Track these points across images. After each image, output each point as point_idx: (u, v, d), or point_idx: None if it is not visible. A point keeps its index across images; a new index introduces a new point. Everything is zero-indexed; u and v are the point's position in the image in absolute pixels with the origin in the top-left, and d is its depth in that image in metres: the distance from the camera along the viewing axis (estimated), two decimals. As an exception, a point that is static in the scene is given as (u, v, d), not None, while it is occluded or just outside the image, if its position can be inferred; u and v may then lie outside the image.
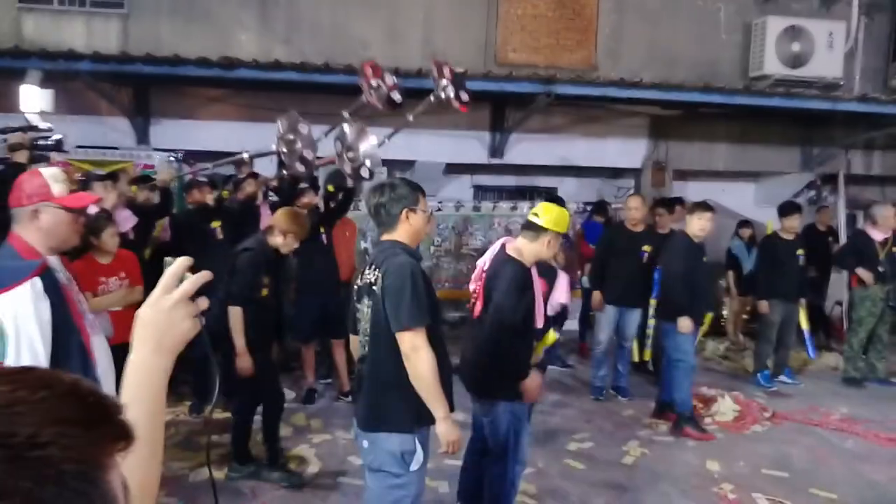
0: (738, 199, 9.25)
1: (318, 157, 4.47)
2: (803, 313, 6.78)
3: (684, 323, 5.29)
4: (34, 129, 3.42)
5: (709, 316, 5.60)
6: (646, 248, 6.19)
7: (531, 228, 3.59)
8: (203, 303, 1.13)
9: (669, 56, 8.77)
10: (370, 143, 4.15)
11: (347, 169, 4.16)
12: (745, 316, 8.41)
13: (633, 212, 6.27)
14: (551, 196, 7.74)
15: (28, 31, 7.81)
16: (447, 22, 8.56)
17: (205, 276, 1.13)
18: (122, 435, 0.63)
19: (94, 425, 0.61)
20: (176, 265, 1.13)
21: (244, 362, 4.10)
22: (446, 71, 4.47)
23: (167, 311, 1.09)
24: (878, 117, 8.28)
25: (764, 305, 6.66)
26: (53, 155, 4.19)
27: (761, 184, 9.62)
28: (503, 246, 3.67)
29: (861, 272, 6.77)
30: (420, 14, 8.52)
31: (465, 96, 4.48)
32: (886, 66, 9.41)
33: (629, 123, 8.74)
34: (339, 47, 8.14)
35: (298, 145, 4.23)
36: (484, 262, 3.71)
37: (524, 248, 3.57)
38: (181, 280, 1.12)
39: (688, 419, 5.44)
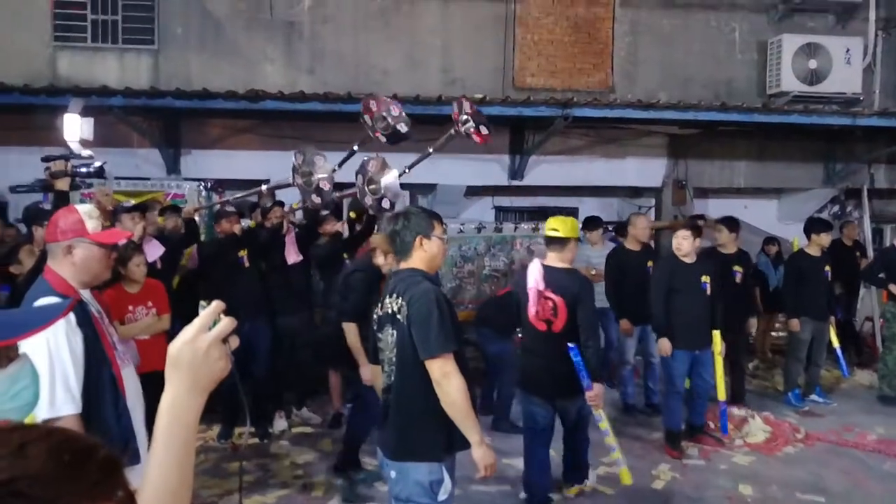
0: (761, 215, 9.22)
1: (340, 188, 4.60)
2: (833, 330, 6.68)
3: (662, 345, 5.31)
4: (76, 156, 3.57)
5: (716, 334, 5.50)
6: (651, 264, 6.18)
7: (556, 242, 4.20)
8: (234, 342, 1.18)
9: (685, 76, 8.83)
10: (391, 177, 4.26)
11: (369, 201, 4.27)
12: (772, 333, 8.34)
13: (639, 231, 6.33)
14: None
15: (63, 68, 8.13)
16: (465, 49, 8.73)
17: (232, 321, 1.18)
18: (102, 484, 0.72)
19: (68, 478, 0.69)
20: (212, 306, 1.17)
21: (366, 373, 4.16)
22: (466, 106, 4.58)
23: (204, 351, 1.12)
24: (897, 131, 8.23)
25: (795, 323, 6.54)
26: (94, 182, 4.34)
27: (784, 200, 9.58)
28: (543, 265, 4.21)
29: (894, 288, 6.68)
30: (438, 42, 8.70)
31: (484, 130, 4.57)
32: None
33: (648, 143, 8.79)
34: (360, 77, 8.36)
35: (315, 177, 4.36)
36: (536, 282, 4.17)
37: (558, 259, 4.20)
38: (216, 322, 1.16)
39: (672, 438, 5.41)
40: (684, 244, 5.39)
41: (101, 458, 0.75)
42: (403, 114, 4.54)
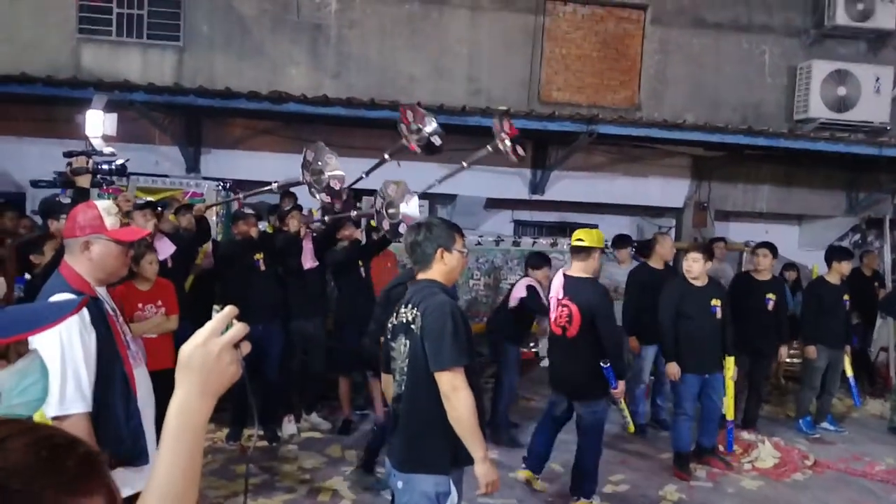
0: (782, 241, 8.99)
1: (358, 208, 4.57)
2: (848, 359, 6.61)
3: (670, 369, 5.29)
4: (98, 153, 3.54)
5: (730, 360, 5.43)
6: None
7: (581, 251, 4.48)
8: (246, 347, 1.17)
9: (713, 98, 8.76)
10: (412, 206, 4.23)
11: (386, 225, 4.25)
12: (787, 360, 8.20)
13: (666, 251, 6.37)
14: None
15: (86, 61, 8.16)
16: (492, 60, 8.70)
17: (245, 326, 1.17)
18: (81, 479, 0.74)
19: (47, 471, 0.72)
20: (225, 311, 1.17)
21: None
22: (506, 125, 4.57)
23: (216, 355, 1.12)
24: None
25: (811, 350, 6.47)
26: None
27: (805, 227, 9.46)
28: (565, 275, 4.57)
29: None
30: (465, 51, 8.67)
31: (521, 150, 4.62)
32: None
33: (671, 163, 8.70)
34: (385, 83, 8.34)
35: (325, 175, 4.33)
36: (557, 291, 4.56)
37: (582, 268, 4.48)
38: (228, 327, 1.16)
39: (681, 459, 5.36)
40: (694, 267, 5.29)
41: (80, 453, 0.77)
42: (438, 127, 4.51)
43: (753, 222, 9.21)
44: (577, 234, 4.55)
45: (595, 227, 9.18)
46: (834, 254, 6.65)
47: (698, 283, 5.32)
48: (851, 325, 6.84)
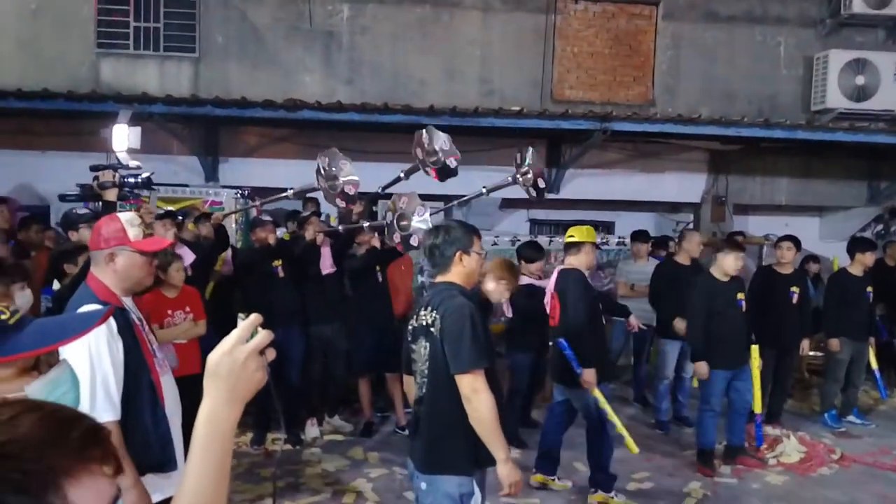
0: (802, 233, 8.90)
1: (373, 220, 4.60)
2: (872, 352, 6.56)
3: (701, 369, 5.24)
4: (124, 166, 3.60)
5: (755, 349, 5.40)
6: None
7: (572, 246, 4.78)
8: (271, 354, 1.19)
9: (728, 91, 8.71)
10: (424, 219, 4.26)
11: (397, 238, 4.29)
12: (811, 353, 8.12)
13: (693, 247, 6.34)
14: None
15: (105, 75, 8.30)
16: (504, 60, 8.71)
17: (270, 334, 1.19)
18: (87, 450, 0.82)
19: (54, 443, 0.80)
20: (250, 319, 1.18)
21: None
22: (530, 155, 4.68)
23: (242, 362, 1.14)
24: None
25: (834, 343, 6.41)
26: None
27: (826, 218, 9.37)
28: (560, 270, 4.82)
29: None
30: (477, 53, 8.70)
31: (542, 184, 4.73)
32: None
33: (687, 158, 8.66)
34: (398, 87, 8.39)
35: (339, 181, 4.37)
36: (551, 286, 4.80)
37: (574, 261, 4.74)
38: (253, 334, 1.17)
39: (705, 456, 5.37)
40: (737, 263, 5.29)
41: (85, 426, 0.84)
42: (453, 147, 4.52)
43: (773, 215, 9.14)
44: (570, 231, 4.89)
45: (611, 224, 9.19)
46: (856, 245, 6.59)
47: (725, 279, 5.31)
48: (876, 317, 6.77)
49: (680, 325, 5.80)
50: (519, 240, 8.77)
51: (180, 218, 5.45)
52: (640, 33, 9.01)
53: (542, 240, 8.87)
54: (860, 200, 8.98)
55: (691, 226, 8.92)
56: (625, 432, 4.73)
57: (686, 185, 8.74)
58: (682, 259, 6.38)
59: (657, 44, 8.89)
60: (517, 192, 8.42)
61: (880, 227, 9.05)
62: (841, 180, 8.88)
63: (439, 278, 2.90)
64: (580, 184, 8.58)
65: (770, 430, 5.98)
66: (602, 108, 7.85)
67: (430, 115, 6.95)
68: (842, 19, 8.83)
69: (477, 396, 2.61)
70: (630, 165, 8.62)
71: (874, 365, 6.59)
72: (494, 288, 4.41)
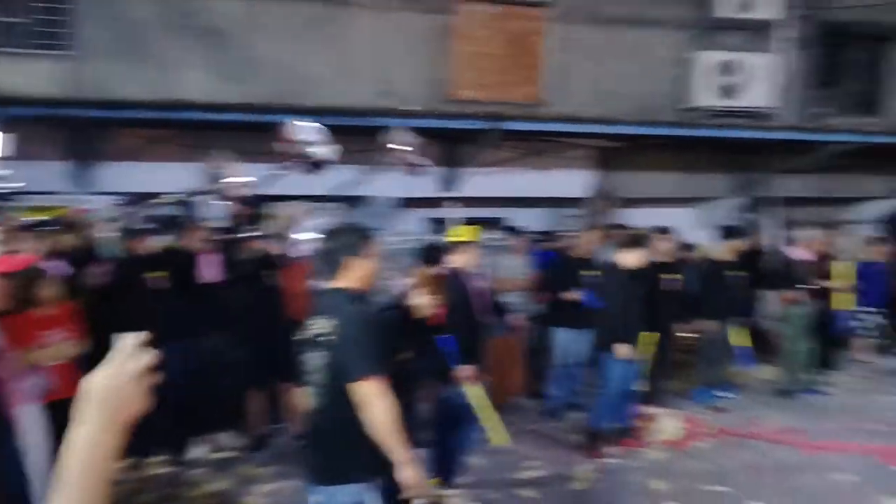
0: (680, 223, 9.49)
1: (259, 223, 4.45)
2: (741, 331, 7.15)
3: (622, 350, 5.54)
4: (-4, 177, 3.31)
5: (646, 337, 5.81)
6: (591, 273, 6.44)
7: (458, 246, 4.84)
8: (153, 376, 1.12)
9: (611, 90, 9.08)
10: (310, 226, 4.20)
11: (281, 248, 4.13)
12: (685, 335, 8.58)
13: (586, 243, 6.69)
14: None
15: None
16: (399, 60, 8.72)
17: (153, 354, 1.13)
18: None
19: None
20: (129, 339, 1.12)
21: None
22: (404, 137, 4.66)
23: (122, 386, 1.07)
24: (806, 143, 8.65)
25: (708, 325, 6.94)
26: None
27: (700, 209, 9.91)
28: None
29: (790, 292, 7.28)
30: (372, 52, 8.65)
31: (421, 160, 4.71)
32: (813, 97, 9.88)
33: (576, 155, 8.98)
34: (290, 86, 8.19)
35: (227, 183, 4.24)
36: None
37: (459, 260, 4.81)
38: (134, 354, 1.11)
39: (596, 438, 5.69)
40: (640, 257, 5.72)
41: None
42: (326, 137, 4.41)
43: (654, 208, 9.59)
44: (454, 231, 5.14)
45: (504, 221, 9.36)
46: (725, 232, 7.24)
47: (630, 269, 5.67)
48: (743, 299, 7.38)
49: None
50: (416, 240, 8.80)
51: (48, 228, 5.07)
52: (530, 35, 9.24)
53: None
54: (731, 191, 9.59)
55: (581, 220, 9.23)
56: (493, 424, 4.85)
57: (575, 182, 9.07)
58: (576, 252, 6.72)
59: (546, 46, 9.14)
60: (414, 192, 8.51)
61: (748, 215, 9.68)
62: (713, 173, 9.50)
63: (332, 284, 2.82)
64: (477, 182, 8.72)
65: (651, 410, 6.36)
66: (496, 108, 7.99)
67: (320, 115, 6.82)
68: (711, 22, 9.39)
69: (373, 403, 2.59)
70: (523, 163, 8.85)
71: (742, 343, 7.18)
72: (424, 301, 4.20)
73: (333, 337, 2.66)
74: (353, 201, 8.47)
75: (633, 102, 9.18)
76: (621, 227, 8.13)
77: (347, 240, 2.83)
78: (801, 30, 9.74)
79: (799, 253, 7.57)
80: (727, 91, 9.08)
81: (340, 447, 2.70)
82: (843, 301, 8.11)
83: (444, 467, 4.80)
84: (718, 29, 9.59)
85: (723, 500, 4.91)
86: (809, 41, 9.78)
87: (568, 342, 6.59)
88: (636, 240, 5.93)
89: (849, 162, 9.32)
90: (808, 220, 8.81)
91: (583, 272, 6.53)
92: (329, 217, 4.44)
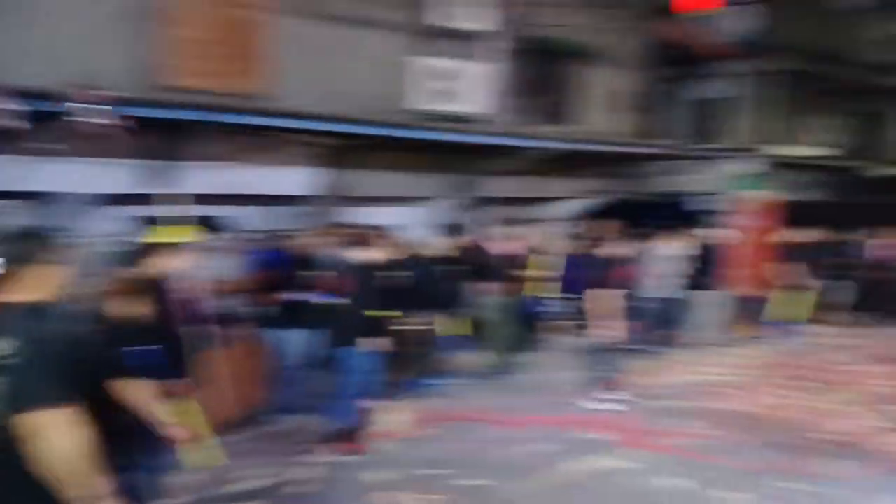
0: (404, 221, 9.93)
1: None
2: (459, 321, 7.72)
3: (367, 343, 5.70)
4: None
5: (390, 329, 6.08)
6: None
7: (164, 247, 4.41)
8: None
9: (333, 88, 9.14)
10: None
11: None
12: (411, 328, 9.01)
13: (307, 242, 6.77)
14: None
15: None
16: (103, 43, 7.86)
17: None
18: None
19: None
20: None
21: None
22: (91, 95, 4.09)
23: None
24: (512, 148, 9.56)
25: (430, 319, 7.32)
26: None
27: (420, 208, 10.43)
28: None
29: (497, 283, 8.08)
30: (70, 33, 7.64)
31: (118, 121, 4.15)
32: (518, 105, 10.97)
33: (300, 152, 8.89)
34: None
35: None
36: None
37: (163, 264, 4.32)
38: None
39: (334, 436, 5.80)
40: (367, 253, 5.95)
41: None
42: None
43: (378, 206, 9.88)
44: (161, 230, 4.80)
45: (224, 219, 8.97)
46: (444, 230, 7.85)
47: (371, 265, 5.88)
48: (458, 291, 7.96)
49: None
50: (117, 240, 8.02)
51: None
52: (252, 25, 8.91)
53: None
54: (449, 191, 10.24)
55: (307, 219, 9.16)
56: (206, 442, 4.63)
57: (300, 179, 8.96)
58: (304, 251, 6.82)
59: (270, 38, 8.90)
60: (119, 188, 7.75)
61: (465, 214, 10.42)
62: (431, 173, 10.03)
63: (11, 297, 2.45)
64: (193, 177, 8.17)
65: (381, 402, 6.49)
66: (214, 100, 7.58)
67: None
68: (428, 28, 9.92)
69: (48, 435, 2.27)
70: (241, 159, 8.51)
71: (460, 332, 7.77)
72: (122, 306, 3.91)
73: (13, 360, 2.32)
74: (37, 198, 7.46)
75: (357, 101, 9.33)
76: (348, 225, 8.26)
77: (25, 245, 2.50)
78: (507, 43, 10.73)
79: (505, 247, 8.39)
80: (442, 96, 9.69)
81: (23, 485, 2.34)
82: (542, 289, 9.14)
83: (142, 492, 4.43)
84: (432, 36, 10.16)
85: (438, 482, 5.18)
86: (513, 54, 10.81)
87: (295, 343, 6.55)
88: (367, 238, 6.10)
89: (545, 165, 10.50)
90: (513, 217, 9.74)
91: (309, 271, 6.60)
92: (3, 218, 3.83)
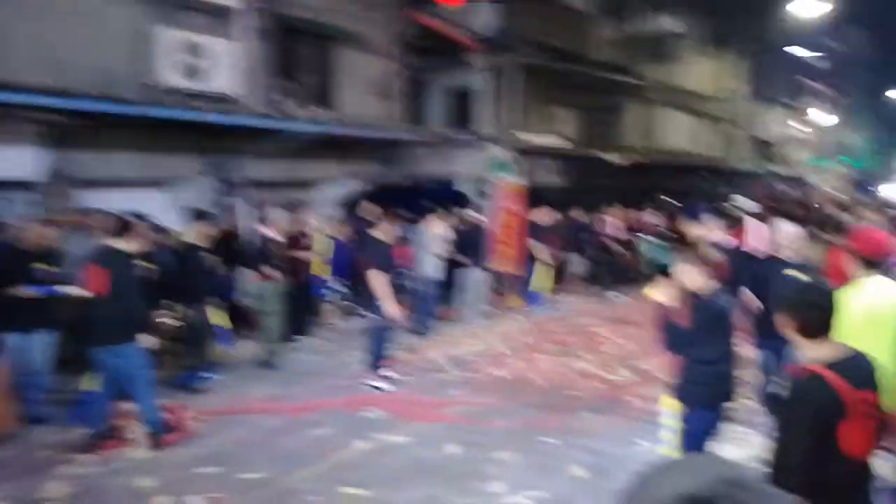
0: (149, 207, 8.99)
1: None
2: (217, 311, 7.29)
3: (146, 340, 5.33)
4: None
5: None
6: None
7: None
8: None
9: (60, 59, 7.99)
10: None
11: None
12: (165, 321, 8.30)
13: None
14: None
15: None
16: None
17: None
18: None
19: None
20: None
21: None
22: None
23: None
24: (272, 130, 9.11)
25: (186, 309, 6.83)
26: None
27: (171, 191, 9.58)
28: None
29: (264, 270, 7.72)
30: None
31: None
32: (275, 86, 10.51)
33: (21, 130, 7.61)
34: None
35: None
36: None
37: None
38: None
39: (104, 438, 5.33)
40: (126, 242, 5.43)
41: None
42: None
43: (120, 190, 8.85)
44: None
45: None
46: (194, 216, 7.31)
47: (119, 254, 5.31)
48: (218, 279, 7.55)
49: None
50: None
51: None
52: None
53: None
54: (200, 173, 9.50)
55: (34, 206, 7.90)
56: None
57: (17, 161, 7.66)
58: (30, 243, 5.94)
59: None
60: None
61: (219, 196, 9.77)
62: (181, 155, 9.25)
63: None
64: None
65: (123, 406, 5.88)
66: None
67: None
68: (177, 0, 9.06)
69: None
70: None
71: (219, 322, 7.37)
72: None
73: None
74: None
75: (88, 75, 8.23)
76: (90, 212, 7.38)
77: None
78: (260, 20, 10.17)
79: (270, 232, 8.02)
80: (191, 72, 8.92)
81: None
82: (315, 272, 8.93)
83: None
84: (184, 8, 9.32)
85: (218, 479, 4.83)
86: (268, 32, 10.29)
87: (25, 347, 5.75)
88: (125, 225, 5.47)
89: (307, 148, 10.18)
90: (278, 201, 9.33)
91: (37, 265, 5.76)
92: None
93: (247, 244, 8.46)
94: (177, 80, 8.82)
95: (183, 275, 6.85)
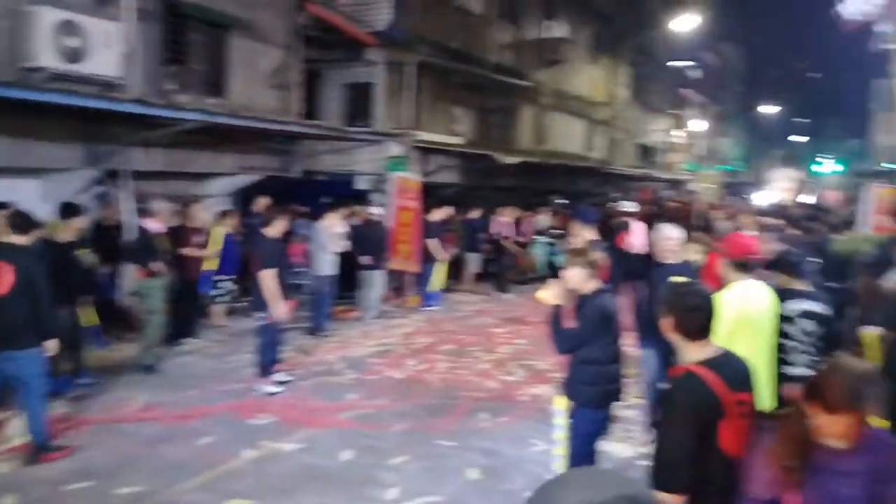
0: (23, 197, 8.33)
1: None
2: (90, 311, 6.89)
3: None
4: None
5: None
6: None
7: None
8: None
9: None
10: None
11: None
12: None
13: None
14: None
15: None
16: None
17: None
18: None
19: None
20: None
21: None
22: None
23: None
24: (155, 118, 8.59)
25: (64, 311, 6.28)
26: None
27: (46, 181, 8.90)
28: None
29: (146, 266, 7.29)
30: None
31: None
32: (161, 72, 9.96)
33: None
34: None
35: None
36: None
37: None
38: None
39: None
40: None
41: None
42: None
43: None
44: None
45: None
46: (65, 210, 6.86)
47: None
48: (94, 277, 7.12)
49: None
50: None
51: None
52: None
53: None
54: (79, 162, 8.87)
55: None
56: None
57: None
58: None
59: None
60: None
61: (100, 188, 9.16)
62: (59, 142, 8.59)
63: None
64: None
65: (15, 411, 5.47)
66: None
67: None
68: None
69: None
70: None
71: (93, 322, 6.97)
72: None
73: None
74: None
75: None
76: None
77: None
78: (145, 1, 9.58)
79: (153, 226, 7.60)
80: (72, 54, 8.28)
81: None
82: (204, 268, 8.51)
83: None
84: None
85: (91, 494, 4.51)
86: (152, 15, 9.72)
87: None
88: (26, 218, 5.20)
89: (198, 138, 9.69)
90: (162, 193, 8.85)
91: None
92: None
93: (128, 238, 7.97)
94: (56, 62, 8.16)
95: (54, 273, 6.31)
